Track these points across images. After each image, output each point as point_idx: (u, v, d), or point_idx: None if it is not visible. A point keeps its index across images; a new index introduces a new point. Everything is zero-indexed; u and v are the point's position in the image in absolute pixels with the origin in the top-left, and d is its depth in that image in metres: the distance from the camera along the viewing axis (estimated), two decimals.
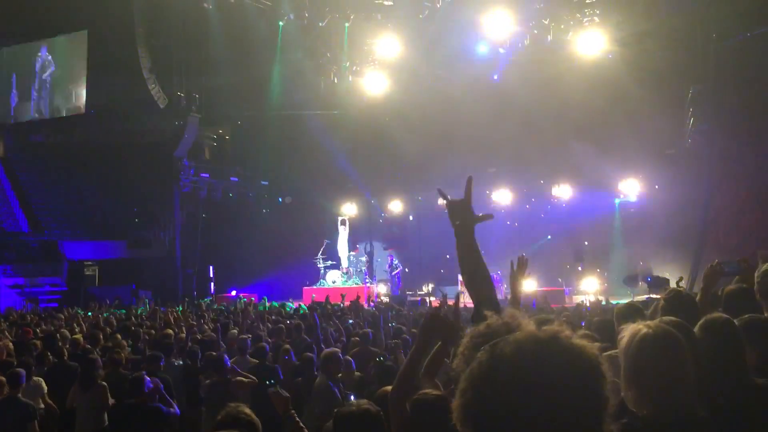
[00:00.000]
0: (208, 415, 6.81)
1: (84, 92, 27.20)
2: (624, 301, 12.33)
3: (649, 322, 2.51)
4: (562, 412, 1.21)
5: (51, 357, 8.35)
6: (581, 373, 1.24)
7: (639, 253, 21.54)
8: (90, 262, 24.85)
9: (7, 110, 29.14)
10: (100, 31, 25.63)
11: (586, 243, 22.58)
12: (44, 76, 28.60)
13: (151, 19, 23.90)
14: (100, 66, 25.60)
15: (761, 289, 3.77)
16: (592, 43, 19.24)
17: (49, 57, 28.59)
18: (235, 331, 10.07)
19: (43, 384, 7.17)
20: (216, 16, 21.96)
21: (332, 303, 14.80)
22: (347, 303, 15.44)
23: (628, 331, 2.49)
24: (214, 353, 7.73)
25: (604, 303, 14.60)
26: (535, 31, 20.19)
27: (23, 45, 28.91)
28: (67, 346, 8.87)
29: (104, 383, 6.70)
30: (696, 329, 2.84)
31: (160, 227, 25.23)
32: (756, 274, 3.87)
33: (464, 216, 2.53)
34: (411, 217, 26.66)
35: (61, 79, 28.37)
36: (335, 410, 3.04)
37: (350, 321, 11.58)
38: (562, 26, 19.70)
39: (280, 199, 27.26)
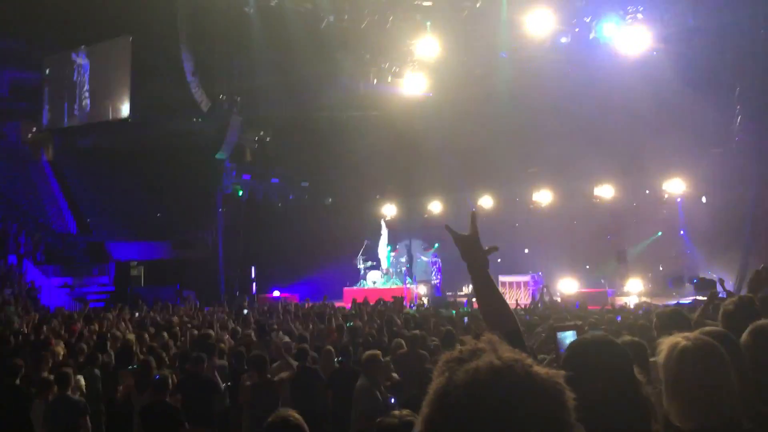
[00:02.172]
0: (251, 416, 6.92)
1: (128, 96, 27.79)
2: (669, 303, 12.14)
3: (687, 334, 2.48)
4: None
5: (102, 357, 8.58)
6: (535, 401, 1.24)
7: (685, 255, 21.12)
8: (135, 263, 25.40)
9: (56, 115, 29.95)
10: (143, 35, 26.14)
11: (628, 242, 22.20)
12: (87, 81, 29.26)
13: (193, 22, 24.28)
14: (143, 70, 26.15)
15: None
16: (635, 40, 18.89)
17: (93, 62, 29.25)
18: (278, 333, 10.17)
19: (82, 381, 7.39)
20: (257, 18, 22.21)
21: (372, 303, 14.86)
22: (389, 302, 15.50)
23: (667, 343, 2.46)
24: (257, 353, 7.85)
25: (643, 308, 14.30)
26: (577, 30, 19.94)
27: (66, 51, 29.64)
28: (118, 345, 9.10)
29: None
30: (745, 335, 2.78)
31: (202, 228, 25.65)
32: None
33: (474, 252, 2.50)
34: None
35: (104, 84, 29.02)
36: (377, 420, 3.04)
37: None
38: (605, 24, 19.41)
39: (327, 200, 27.42)
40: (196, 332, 10.08)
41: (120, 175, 27.45)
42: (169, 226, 25.89)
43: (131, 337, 9.53)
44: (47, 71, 30.37)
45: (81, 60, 29.53)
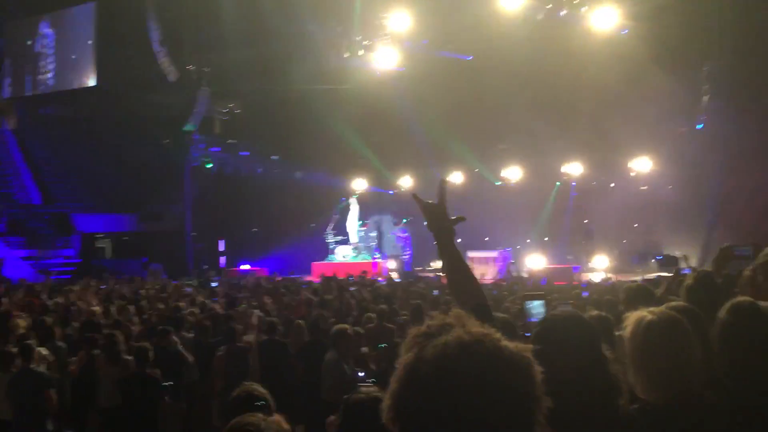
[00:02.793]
0: (223, 386, 6.91)
1: (93, 66, 27.13)
2: (634, 279, 12.34)
3: (653, 309, 2.51)
4: (484, 414, 1.22)
5: (63, 330, 8.48)
6: (504, 376, 1.25)
7: (650, 232, 21.47)
8: (102, 235, 25.04)
9: (17, 86, 29.14)
10: (108, 2, 25.49)
11: (596, 221, 22.48)
12: (51, 50, 28.49)
13: None
14: (109, 39, 25.53)
15: (765, 270, 3.76)
16: (606, 17, 18.94)
17: (56, 31, 28.47)
18: (246, 306, 10.13)
19: (46, 353, 7.32)
20: None
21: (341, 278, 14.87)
22: (356, 277, 15.54)
23: (633, 318, 2.49)
24: (227, 325, 7.86)
25: (610, 281, 14.58)
26: (549, 5, 19.92)
27: (29, 18, 28.79)
28: (83, 317, 8.99)
29: (130, 358, 6.83)
30: (722, 312, 2.82)
31: (170, 201, 25.33)
32: (760, 255, 3.86)
33: (441, 221, 2.47)
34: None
35: (69, 53, 28.27)
36: (344, 397, 3.03)
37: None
38: (576, 0, 19.42)
39: (297, 174, 27.24)
40: (162, 306, 9.99)
41: (85, 145, 26.88)
42: (136, 198, 25.51)
43: (97, 309, 9.42)
44: (8, 40, 29.46)
45: (44, 29, 28.71)
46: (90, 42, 27.14)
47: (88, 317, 8.96)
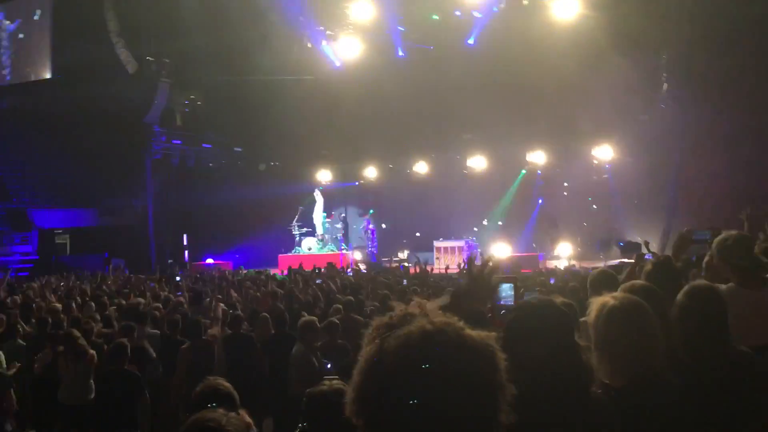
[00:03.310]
0: (189, 380, 6.81)
1: (49, 57, 26.46)
2: (597, 266, 12.51)
3: (615, 294, 2.54)
4: (448, 403, 1.21)
5: (24, 327, 8.29)
6: (467, 364, 1.25)
7: (613, 218, 21.81)
8: (60, 231, 24.52)
9: None
10: None
11: (559, 208, 22.75)
12: (7, 41, 27.72)
13: None
14: (66, 31, 24.89)
15: (721, 255, 3.85)
16: (567, 6, 19.13)
17: (12, 22, 27.69)
18: (210, 300, 10.00)
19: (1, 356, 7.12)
20: None
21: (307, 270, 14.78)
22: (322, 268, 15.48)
23: (596, 303, 2.51)
24: (192, 319, 7.77)
25: (575, 268, 14.81)
26: None
27: None
28: (43, 315, 8.78)
29: (93, 352, 6.70)
30: (680, 296, 2.86)
31: (132, 195, 24.89)
32: (715, 241, 3.96)
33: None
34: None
35: (24, 45, 27.53)
36: (307, 390, 2.99)
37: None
38: None
39: (261, 166, 27.01)
40: (124, 302, 9.81)
41: (42, 139, 26.21)
42: (95, 192, 24.98)
43: (57, 306, 9.21)
44: None
45: None
46: (47, 34, 26.46)
47: (49, 314, 8.75)
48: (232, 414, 1.97)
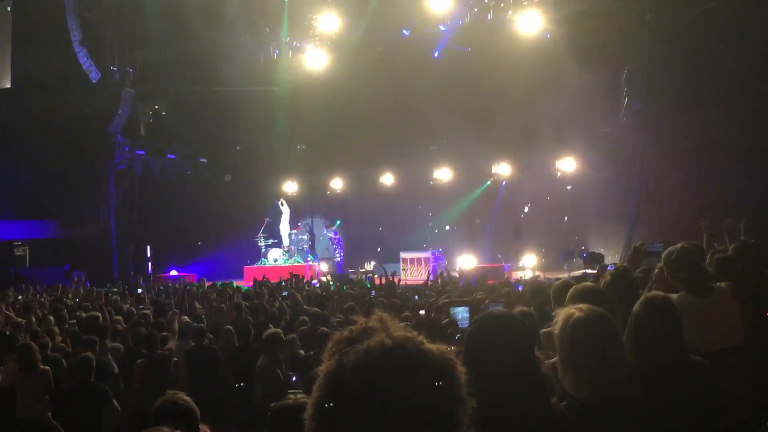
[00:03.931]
0: (143, 395, 6.69)
1: (8, 66, 25.93)
2: (561, 276, 12.66)
3: (580, 306, 2.56)
4: (408, 419, 1.21)
5: None
6: (427, 379, 1.25)
7: (575, 230, 22.10)
8: (20, 242, 23.98)
9: None
10: (25, 2, 24.44)
11: (524, 219, 22.99)
12: None
13: None
14: (26, 39, 24.44)
15: (669, 269, 3.98)
16: (531, 21, 19.43)
17: None
18: (172, 313, 9.88)
19: None
20: None
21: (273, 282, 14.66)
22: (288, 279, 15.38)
23: (561, 315, 2.53)
24: (145, 331, 7.64)
25: (539, 278, 14.97)
26: (476, 9, 20.27)
27: None
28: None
29: (47, 368, 6.55)
30: (636, 306, 2.91)
31: (94, 206, 24.47)
32: (662, 256, 4.09)
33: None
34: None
35: None
36: (272, 405, 2.97)
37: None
38: (502, 4, 19.83)
39: (226, 177, 26.79)
40: (84, 314, 9.63)
41: (1, 149, 25.67)
42: (56, 203, 24.48)
43: (21, 321, 9.02)
44: None
45: None
46: (5, 42, 25.93)
47: (10, 328, 8.56)
48: None
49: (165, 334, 7.74)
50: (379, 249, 24.03)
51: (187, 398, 2.97)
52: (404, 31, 21.50)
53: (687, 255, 3.92)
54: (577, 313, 2.47)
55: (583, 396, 2.36)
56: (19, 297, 13.99)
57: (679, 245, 4.02)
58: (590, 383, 2.37)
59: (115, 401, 6.13)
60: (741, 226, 6.67)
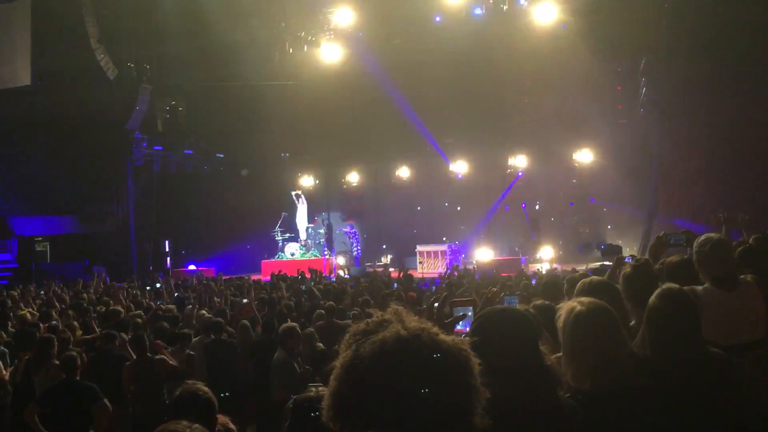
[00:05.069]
0: (133, 394, 6.73)
1: (28, 63, 26.17)
2: (579, 268, 12.60)
3: (582, 299, 2.57)
4: (423, 408, 1.23)
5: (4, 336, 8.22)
6: (442, 369, 1.27)
7: (594, 222, 21.97)
8: (41, 238, 24.27)
9: None
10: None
11: (540, 211, 22.89)
12: None
13: None
14: (45, 37, 24.65)
15: (698, 259, 3.94)
16: (547, 12, 19.28)
17: None
18: (194, 307, 9.96)
19: None
20: None
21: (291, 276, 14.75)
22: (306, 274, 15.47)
23: (564, 309, 2.55)
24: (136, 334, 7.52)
25: (556, 271, 14.91)
26: (491, 1, 20.15)
27: None
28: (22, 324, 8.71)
29: (57, 362, 6.59)
30: (652, 298, 2.90)
31: (112, 202, 24.69)
32: (695, 244, 4.03)
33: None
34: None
35: (2, 50, 27.19)
36: (293, 397, 3.00)
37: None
38: None
39: (243, 171, 26.89)
40: (104, 309, 9.73)
41: (21, 145, 25.93)
42: (76, 199, 24.74)
43: (25, 313, 9.15)
44: None
45: None
46: (25, 40, 26.16)
47: (28, 322, 8.68)
48: (197, 426, 1.98)
49: (186, 331, 7.75)
50: (415, 230, 23.81)
51: (206, 389, 2.99)
52: (420, 23, 21.39)
53: (720, 248, 3.88)
54: (579, 307, 2.49)
55: (585, 387, 2.38)
56: (41, 292, 14.16)
57: (714, 237, 3.97)
58: (591, 376, 2.39)
59: (106, 401, 5.89)
60: (739, 222, 6.52)
